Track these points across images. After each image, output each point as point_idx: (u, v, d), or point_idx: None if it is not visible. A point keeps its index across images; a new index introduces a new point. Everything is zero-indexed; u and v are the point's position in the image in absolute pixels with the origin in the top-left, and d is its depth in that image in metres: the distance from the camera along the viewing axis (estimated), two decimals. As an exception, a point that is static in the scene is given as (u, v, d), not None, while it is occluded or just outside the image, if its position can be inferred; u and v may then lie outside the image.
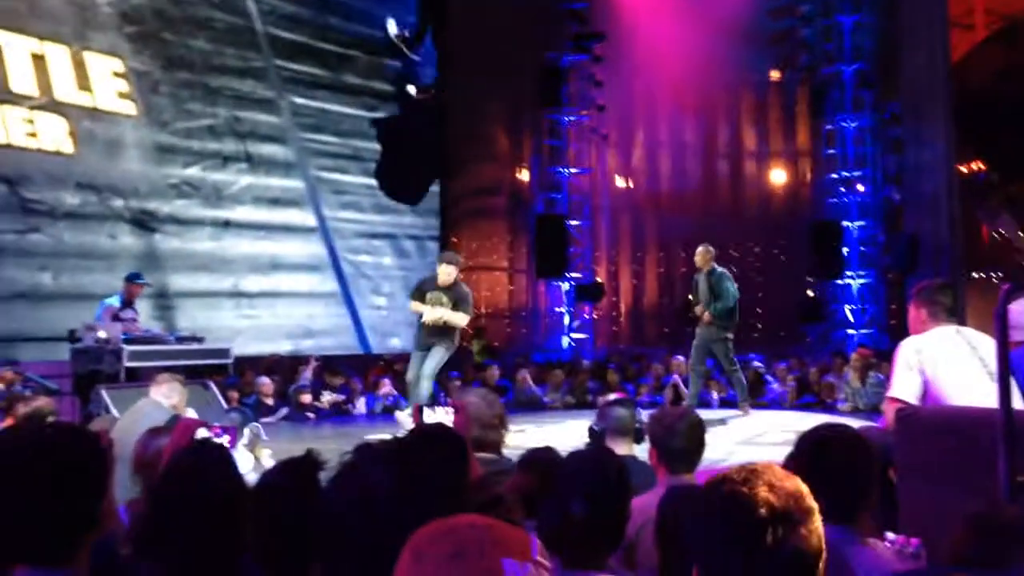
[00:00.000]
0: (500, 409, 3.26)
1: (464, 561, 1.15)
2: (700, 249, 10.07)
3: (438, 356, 8.22)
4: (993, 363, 3.51)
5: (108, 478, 1.62)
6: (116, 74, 11.48)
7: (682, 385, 11.68)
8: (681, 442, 3.14)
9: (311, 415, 10.48)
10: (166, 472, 2.10)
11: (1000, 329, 2.51)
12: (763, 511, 1.36)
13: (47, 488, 1.49)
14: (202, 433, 2.57)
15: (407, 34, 14.64)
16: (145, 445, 3.22)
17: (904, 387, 3.63)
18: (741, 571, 1.35)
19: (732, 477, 1.43)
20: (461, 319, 8.35)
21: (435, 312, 8.22)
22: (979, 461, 3.08)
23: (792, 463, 2.41)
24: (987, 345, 3.52)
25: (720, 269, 9.96)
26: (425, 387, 8.13)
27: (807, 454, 2.36)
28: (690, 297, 10.26)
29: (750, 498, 1.38)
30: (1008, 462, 2.53)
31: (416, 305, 8.44)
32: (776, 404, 11.52)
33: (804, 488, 1.43)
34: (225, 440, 2.51)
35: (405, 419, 7.92)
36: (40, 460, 1.50)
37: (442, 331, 8.29)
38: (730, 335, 9.79)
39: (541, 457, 2.98)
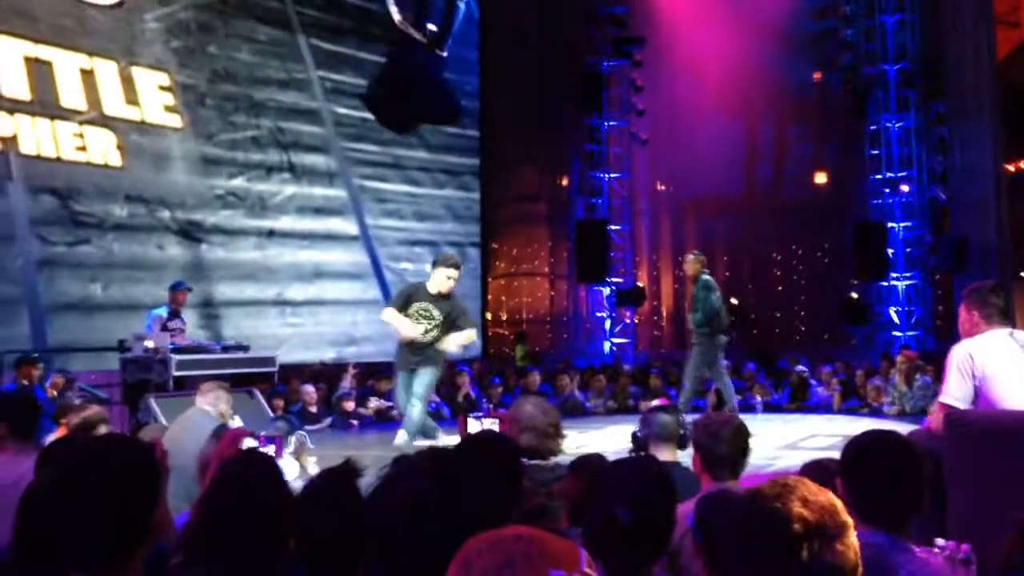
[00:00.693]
0: (555, 417, 3.27)
1: (513, 571, 1.16)
2: (689, 257, 9.56)
3: (429, 376, 7.30)
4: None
5: (161, 488, 1.64)
6: (162, 88, 11.69)
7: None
8: (725, 448, 3.11)
9: (355, 422, 10.53)
10: (215, 481, 2.13)
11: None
12: (797, 526, 1.35)
13: (100, 498, 1.51)
14: (249, 442, 2.60)
15: (429, 27, 14.24)
16: (210, 453, 3.27)
17: (957, 391, 3.57)
18: None
19: (765, 492, 1.42)
20: (470, 336, 7.48)
21: (447, 342, 7.28)
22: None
23: (841, 469, 2.39)
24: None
25: (705, 277, 9.29)
26: (419, 410, 7.23)
27: (855, 460, 2.32)
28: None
29: (784, 513, 1.36)
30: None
31: (395, 318, 7.31)
32: (821, 408, 11.37)
33: (838, 503, 1.41)
34: (271, 449, 2.54)
35: (402, 442, 7.07)
36: (93, 470, 1.53)
37: (429, 349, 7.32)
38: (712, 344, 9.25)
39: (591, 463, 2.97)
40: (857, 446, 2.38)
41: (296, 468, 5.34)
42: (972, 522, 3.05)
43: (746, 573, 1.38)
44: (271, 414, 8.11)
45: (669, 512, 2.20)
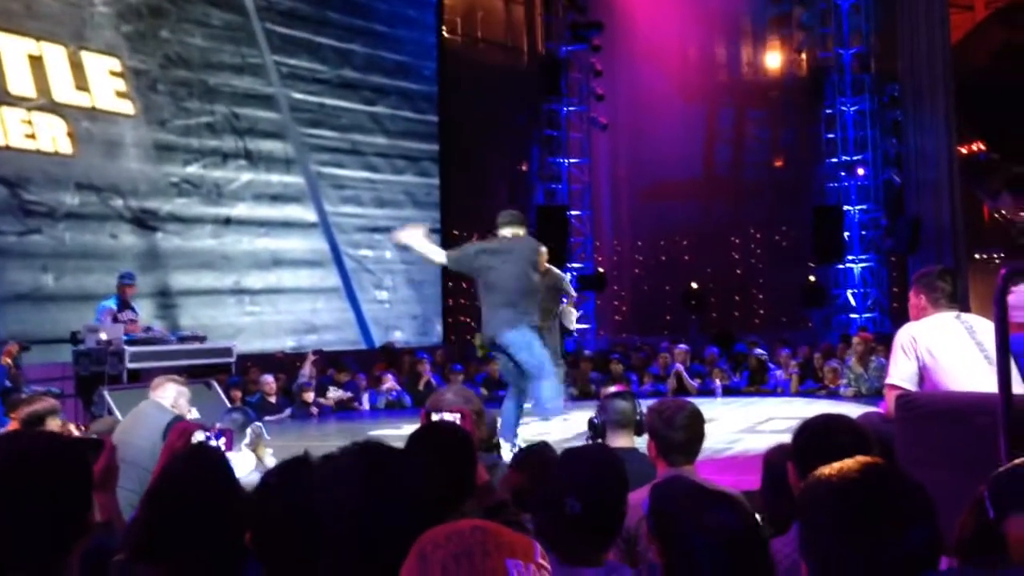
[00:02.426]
0: (478, 405, 3.21)
1: (469, 561, 1.17)
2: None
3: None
4: (992, 348, 3.50)
5: (108, 485, 1.61)
6: (113, 73, 11.46)
7: (686, 374, 11.67)
8: (680, 434, 3.12)
9: (314, 412, 10.47)
10: (158, 477, 2.09)
11: (999, 313, 2.49)
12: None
13: (28, 499, 1.48)
14: (199, 436, 2.55)
15: None
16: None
17: (902, 373, 3.63)
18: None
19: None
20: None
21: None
22: (978, 446, 3.07)
23: (793, 454, 2.41)
24: (987, 329, 3.50)
25: None
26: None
27: (805, 444, 2.35)
28: None
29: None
30: (1007, 446, 2.52)
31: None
32: (780, 391, 11.50)
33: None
34: (222, 443, 2.49)
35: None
36: (20, 470, 1.50)
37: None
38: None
39: (534, 455, 2.97)
40: (807, 430, 2.40)
41: (253, 460, 5.26)
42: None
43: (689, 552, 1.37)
44: (229, 405, 8.03)
45: (619, 501, 2.20)
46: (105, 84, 11.35)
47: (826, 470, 1.46)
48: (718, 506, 1.77)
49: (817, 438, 2.34)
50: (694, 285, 16.62)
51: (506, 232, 6.41)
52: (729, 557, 1.71)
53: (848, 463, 1.45)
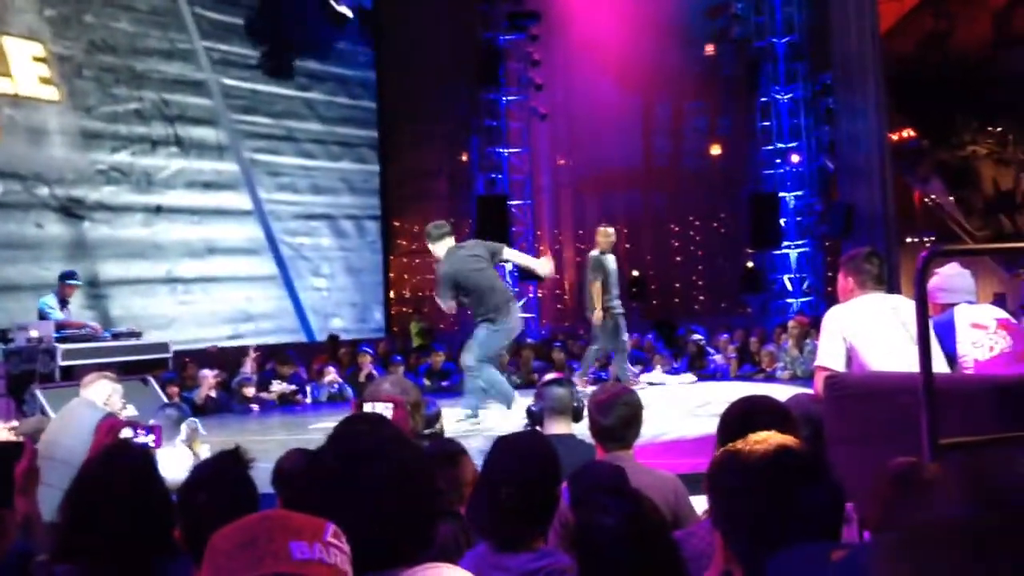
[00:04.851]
0: (416, 396, 3.21)
1: (253, 548, 1.20)
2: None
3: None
4: (915, 328, 3.60)
5: (12, 487, 1.57)
6: (37, 59, 11.16)
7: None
8: (613, 420, 3.16)
9: (255, 407, 10.35)
10: (79, 476, 2.06)
11: (919, 294, 2.56)
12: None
13: None
14: (126, 433, 2.51)
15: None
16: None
17: (829, 355, 3.71)
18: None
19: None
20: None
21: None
22: (903, 425, 3.16)
23: (720, 436, 2.46)
24: (911, 310, 3.59)
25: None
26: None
27: (729, 426, 2.40)
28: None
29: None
30: (930, 425, 2.59)
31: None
32: (719, 376, 11.68)
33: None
34: (150, 439, 2.46)
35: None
36: None
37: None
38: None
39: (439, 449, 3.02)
40: (732, 412, 2.46)
41: (189, 457, 5.22)
42: (851, 481, 3.17)
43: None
44: (164, 400, 7.91)
45: (551, 487, 2.22)
46: (28, 70, 11.04)
47: (738, 443, 1.61)
48: (619, 501, 1.83)
49: (739, 419, 2.40)
50: (635, 273, 16.76)
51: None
52: (633, 551, 1.77)
53: (753, 437, 1.60)
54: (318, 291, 14.70)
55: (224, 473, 2.24)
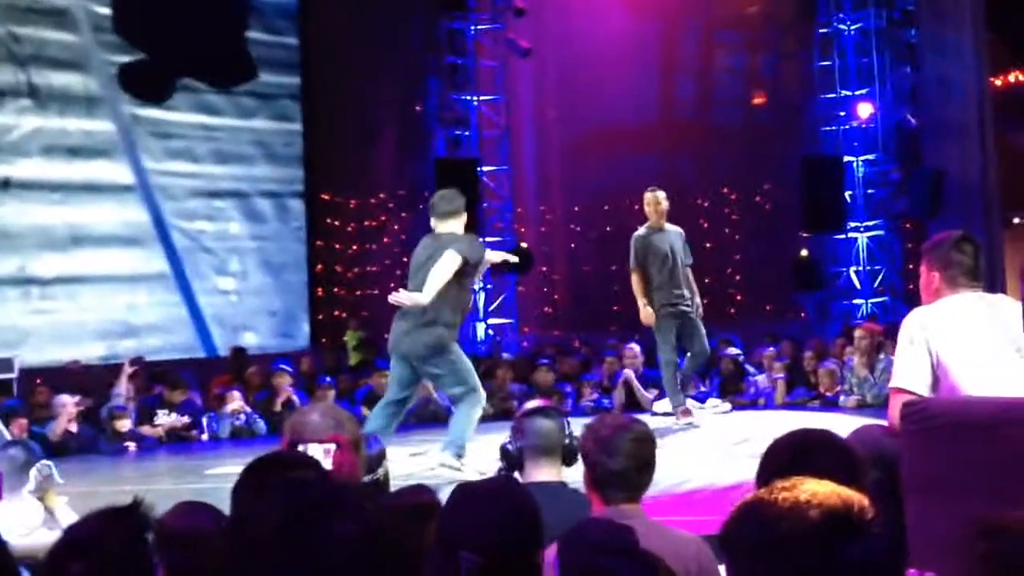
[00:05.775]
0: (354, 429, 3.16)
1: None
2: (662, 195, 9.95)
3: None
4: (1022, 338, 3.61)
5: None
6: None
7: (637, 383, 11.77)
8: (619, 461, 3.16)
9: (131, 446, 10.32)
10: None
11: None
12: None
13: None
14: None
15: None
16: None
17: (910, 374, 3.71)
18: None
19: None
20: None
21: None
22: (1008, 467, 3.16)
23: (759, 484, 2.44)
24: (1018, 314, 3.59)
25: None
26: None
27: (775, 468, 2.38)
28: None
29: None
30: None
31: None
32: (761, 402, 11.70)
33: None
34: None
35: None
36: None
37: None
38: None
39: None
40: (777, 451, 2.45)
41: (39, 512, 5.22)
42: (937, 541, 3.17)
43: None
44: (8, 437, 7.88)
45: (530, 552, 2.22)
46: None
47: (761, 492, 1.70)
48: (632, 566, 1.87)
49: (788, 461, 2.38)
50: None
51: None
52: None
53: (780, 484, 1.66)
54: (224, 295, 14.68)
55: (109, 535, 2.22)
